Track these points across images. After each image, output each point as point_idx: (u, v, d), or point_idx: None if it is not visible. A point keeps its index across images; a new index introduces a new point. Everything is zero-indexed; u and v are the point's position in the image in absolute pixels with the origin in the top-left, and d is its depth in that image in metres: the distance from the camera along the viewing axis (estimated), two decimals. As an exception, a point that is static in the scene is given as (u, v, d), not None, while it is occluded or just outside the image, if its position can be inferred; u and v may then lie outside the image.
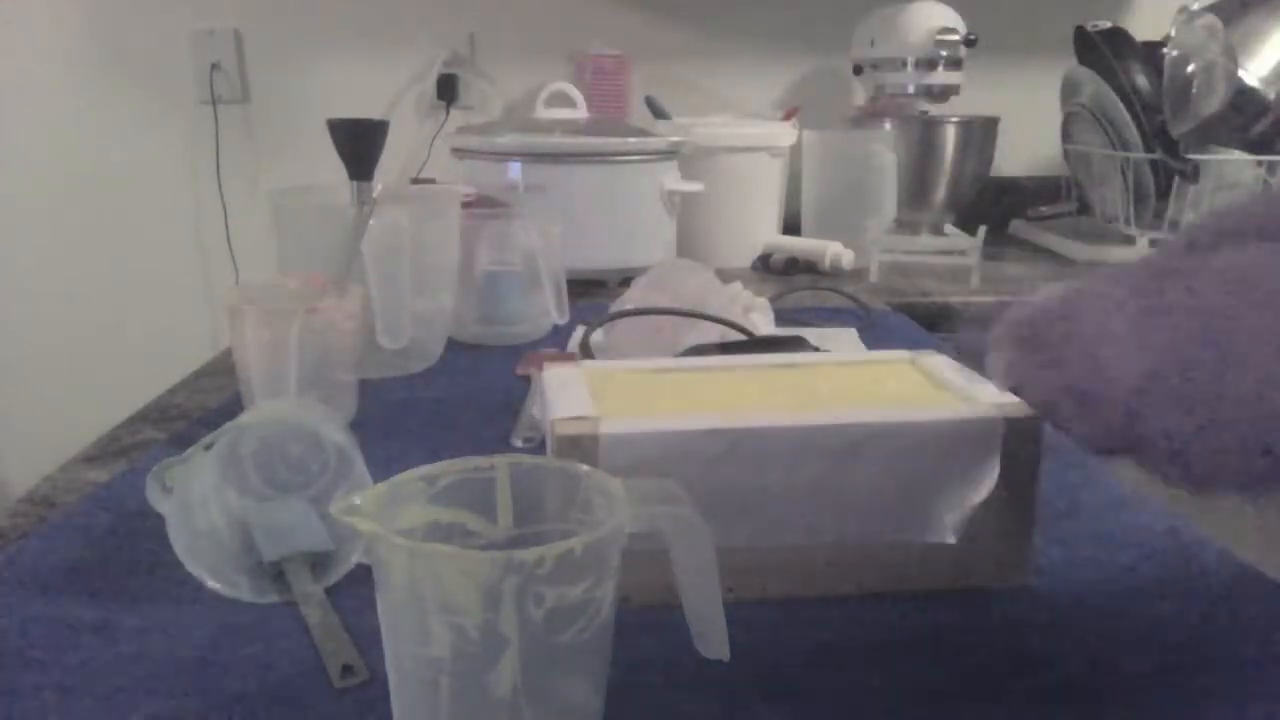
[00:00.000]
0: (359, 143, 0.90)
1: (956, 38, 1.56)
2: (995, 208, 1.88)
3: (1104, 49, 1.56)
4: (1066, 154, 1.74)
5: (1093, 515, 0.63)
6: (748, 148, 1.52)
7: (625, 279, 0.96)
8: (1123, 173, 1.55)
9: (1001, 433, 0.51)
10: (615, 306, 0.89)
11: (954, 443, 0.51)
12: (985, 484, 0.51)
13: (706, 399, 0.57)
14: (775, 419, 0.51)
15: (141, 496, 0.55)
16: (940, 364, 0.60)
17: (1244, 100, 1.49)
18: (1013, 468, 0.51)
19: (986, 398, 0.53)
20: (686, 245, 1.45)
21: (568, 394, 0.54)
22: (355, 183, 0.91)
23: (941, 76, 1.60)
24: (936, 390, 0.57)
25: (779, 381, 0.59)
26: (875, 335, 1.08)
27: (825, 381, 0.59)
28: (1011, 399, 0.53)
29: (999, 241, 1.79)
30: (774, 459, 0.50)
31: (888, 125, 1.62)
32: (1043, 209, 1.86)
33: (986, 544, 0.52)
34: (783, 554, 0.52)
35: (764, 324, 1.18)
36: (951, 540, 0.51)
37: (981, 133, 1.65)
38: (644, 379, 0.60)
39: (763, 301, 1.16)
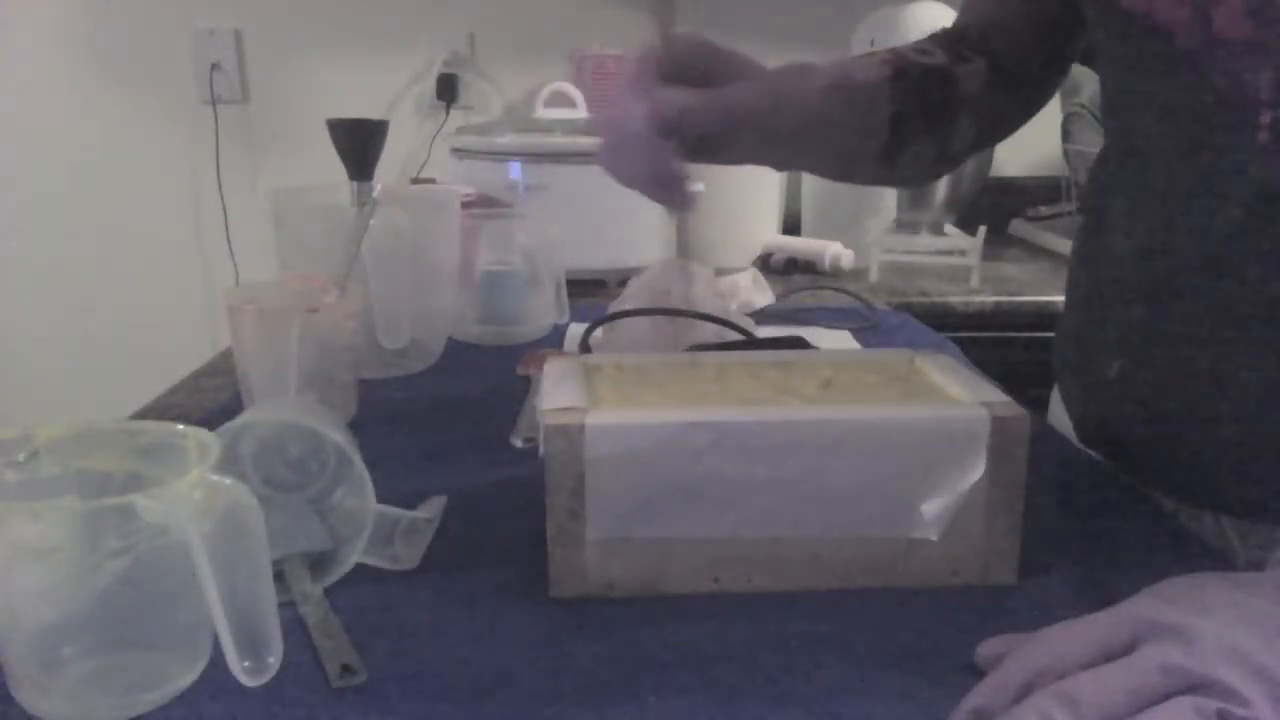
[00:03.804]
0: (359, 143, 0.90)
1: (956, 38, 1.56)
2: (995, 208, 1.88)
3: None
4: (1066, 154, 1.74)
5: (1080, 514, 0.63)
6: (748, 148, 1.52)
7: (625, 279, 0.96)
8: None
9: (988, 431, 0.51)
10: (613, 307, 0.89)
11: (939, 440, 0.51)
12: (971, 481, 0.51)
13: (700, 393, 0.57)
14: (760, 413, 0.51)
15: (141, 496, 0.55)
16: (941, 363, 0.60)
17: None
18: (999, 465, 0.51)
19: (976, 396, 0.53)
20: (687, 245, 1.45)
21: (562, 386, 0.55)
22: (355, 183, 0.91)
23: (941, 76, 1.60)
24: (930, 388, 0.57)
25: (776, 378, 0.59)
26: (879, 335, 1.08)
27: (820, 378, 0.59)
28: (1000, 397, 0.53)
29: (999, 241, 1.79)
30: (758, 452, 0.50)
31: (888, 125, 1.62)
32: (1042, 209, 1.86)
33: (972, 541, 0.52)
34: (767, 546, 0.52)
35: (761, 299, 1.18)
36: (935, 537, 0.52)
37: (981, 133, 1.65)
38: (641, 373, 0.60)
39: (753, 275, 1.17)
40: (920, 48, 0.73)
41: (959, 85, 0.71)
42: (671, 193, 0.60)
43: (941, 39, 0.75)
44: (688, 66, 0.60)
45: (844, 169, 0.71)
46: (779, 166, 0.71)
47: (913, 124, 0.70)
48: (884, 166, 0.71)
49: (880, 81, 0.68)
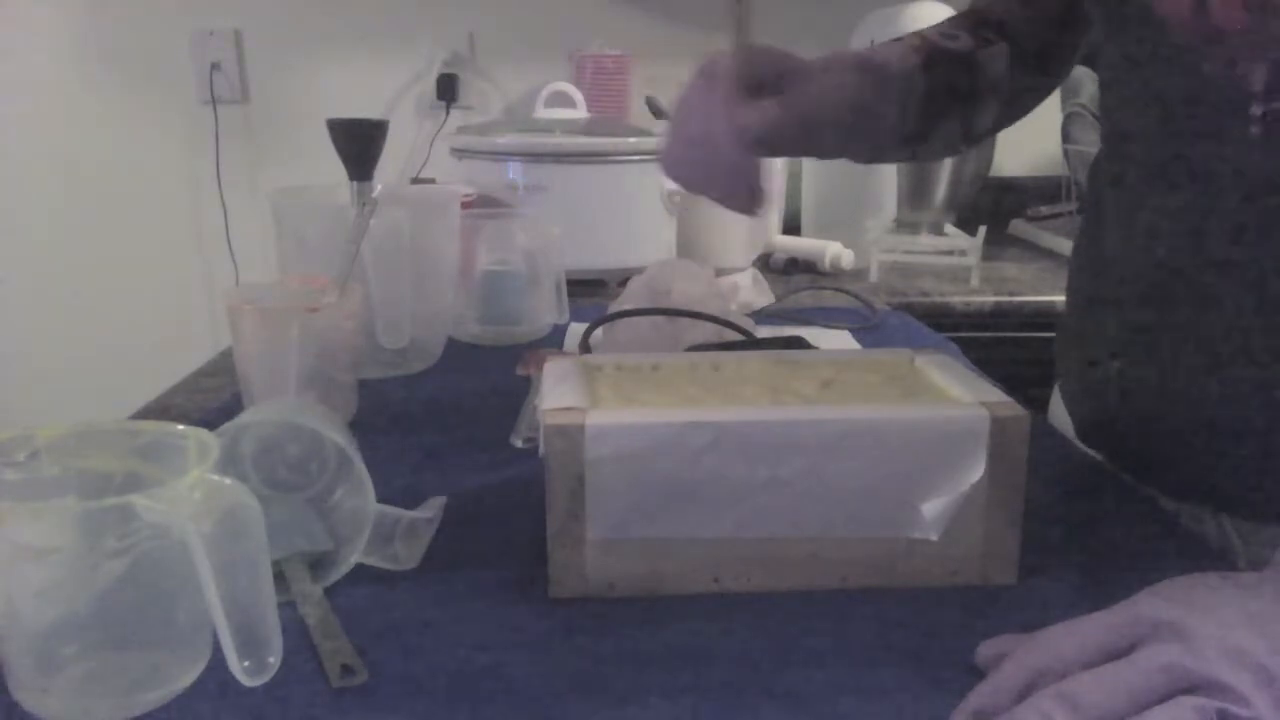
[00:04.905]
0: (359, 143, 0.90)
1: (956, 38, 1.55)
2: (995, 208, 1.88)
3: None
4: (1066, 154, 1.73)
5: (1080, 514, 0.63)
6: (748, 148, 1.51)
7: (625, 279, 0.96)
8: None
9: (988, 431, 0.51)
10: (613, 307, 0.89)
11: (939, 440, 0.51)
12: (971, 481, 0.51)
13: (700, 393, 0.57)
14: (760, 413, 0.51)
15: (141, 496, 0.55)
16: (941, 363, 0.60)
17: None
18: (999, 465, 0.51)
19: (976, 396, 0.53)
20: (686, 245, 1.45)
21: (562, 386, 0.55)
22: (355, 183, 0.91)
23: (941, 76, 1.60)
24: (930, 388, 0.57)
25: (776, 378, 0.59)
26: (879, 335, 1.08)
27: (820, 378, 0.59)
28: (1000, 397, 0.53)
29: (999, 241, 1.79)
30: (758, 452, 0.50)
31: (888, 125, 1.62)
32: (1043, 209, 1.86)
33: (972, 541, 0.52)
34: (767, 545, 0.52)
35: (761, 299, 1.18)
36: (935, 537, 0.52)
37: (981, 132, 1.65)
38: (641, 373, 0.60)
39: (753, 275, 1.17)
40: (945, 32, 0.74)
41: (984, 70, 0.73)
42: (752, 197, 0.63)
43: (963, 21, 0.76)
44: (761, 75, 0.62)
45: (874, 154, 0.73)
46: (819, 155, 0.73)
47: (941, 110, 0.71)
48: (910, 149, 0.73)
49: (913, 71, 0.69)
